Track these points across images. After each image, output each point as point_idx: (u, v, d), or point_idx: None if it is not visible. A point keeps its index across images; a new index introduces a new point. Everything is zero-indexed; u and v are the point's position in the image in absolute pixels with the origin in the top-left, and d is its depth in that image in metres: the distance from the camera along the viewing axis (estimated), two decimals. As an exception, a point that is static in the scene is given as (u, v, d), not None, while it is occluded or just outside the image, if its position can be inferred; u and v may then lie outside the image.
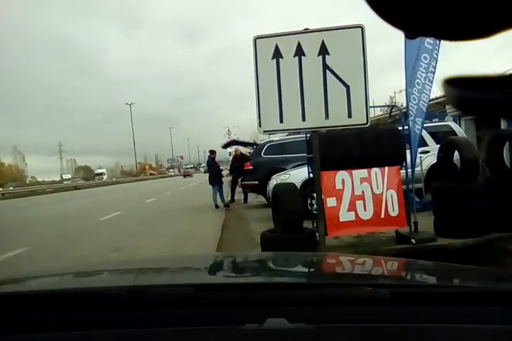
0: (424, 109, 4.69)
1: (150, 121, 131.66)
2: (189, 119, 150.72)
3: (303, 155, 5.16)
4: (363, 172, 4.14)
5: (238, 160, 12.05)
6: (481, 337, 0.79)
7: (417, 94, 4.58)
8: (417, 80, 4.54)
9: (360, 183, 4.12)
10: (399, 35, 0.33)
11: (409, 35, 0.32)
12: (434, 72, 4.54)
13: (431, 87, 4.59)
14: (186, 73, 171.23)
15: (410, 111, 4.63)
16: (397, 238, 4.52)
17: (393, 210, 4.13)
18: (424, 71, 4.52)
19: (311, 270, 1.49)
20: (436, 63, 4.54)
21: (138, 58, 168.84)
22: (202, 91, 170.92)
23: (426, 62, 4.51)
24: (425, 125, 7.99)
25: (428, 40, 4.37)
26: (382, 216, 4.12)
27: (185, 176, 51.50)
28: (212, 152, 11.77)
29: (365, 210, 4.10)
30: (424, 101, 4.63)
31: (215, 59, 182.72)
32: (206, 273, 1.43)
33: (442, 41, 0.31)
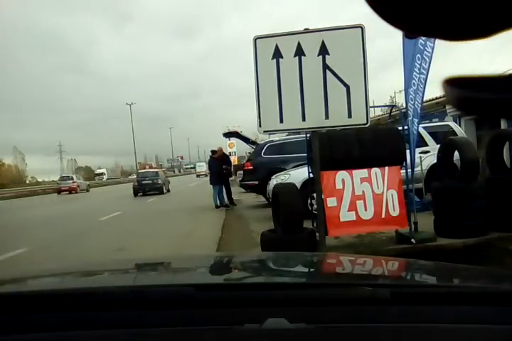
0: (419, 110, 4.67)
1: (149, 121, 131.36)
2: (188, 119, 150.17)
3: (303, 155, 5.16)
4: (363, 172, 4.14)
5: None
6: (481, 337, 0.79)
7: (413, 95, 4.59)
8: (413, 81, 4.53)
9: (361, 183, 4.12)
10: (400, 33, 0.33)
11: (409, 34, 0.32)
12: (425, 74, 4.49)
13: (423, 88, 4.55)
14: (185, 72, 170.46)
15: (409, 111, 4.63)
16: (397, 238, 4.52)
17: (394, 210, 4.13)
18: (418, 72, 4.49)
19: (311, 270, 1.49)
20: (428, 65, 4.47)
21: (135, 56, 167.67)
22: (200, 91, 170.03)
23: (419, 62, 4.48)
24: (425, 125, 8.06)
25: (421, 40, 4.34)
26: (383, 216, 4.12)
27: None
28: (214, 152, 11.70)
29: (365, 210, 4.10)
30: (419, 102, 4.61)
31: (213, 57, 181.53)
32: (206, 273, 1.43)
33: (441, 41, 0.31)
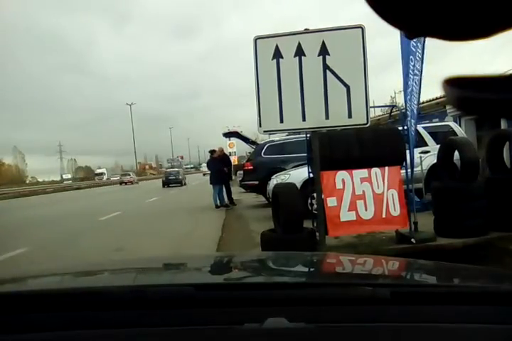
0: (415, 111, 4.62)
1: (149, 121, 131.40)
2: (188, 119, 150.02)
3: (303, 155, 5.16)
4: (363, 172, 4.14)
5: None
6: (481, 337, 0.79)
7: (410, 96, 4.58)
8: (409, 82, 4.53)
9: (361, 183, 4.12)
10: (400, 33, 0.33)
11: (409, 35, 0.32)
12: (418, 75, 4.43)
13: (418, 89, 4.50)
14: (185, 72, 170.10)
15: (408, 112, 4.63)
16: (397, 238, 4.52)
17: (394, 210, 4.12)
18: (412, 73, 4.47)
19: (311, 270, 1.49)
20: (420, 66, 4.40)
21: (135, 56, 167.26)
22: (200, 91, 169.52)
23: (412, 64, 4.45)
24: (425, 125, 8.06)
25: (412, 42, 4.31)
26: (384, 215, 4.11)
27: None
28: (213, 151, 11.71)
29: (366, 210, 4.09)
30: (415, 104, 4.58)
31: (213, 57, 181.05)
32: (206, 273, 1.42)
33: (441, 41, 0.31)
